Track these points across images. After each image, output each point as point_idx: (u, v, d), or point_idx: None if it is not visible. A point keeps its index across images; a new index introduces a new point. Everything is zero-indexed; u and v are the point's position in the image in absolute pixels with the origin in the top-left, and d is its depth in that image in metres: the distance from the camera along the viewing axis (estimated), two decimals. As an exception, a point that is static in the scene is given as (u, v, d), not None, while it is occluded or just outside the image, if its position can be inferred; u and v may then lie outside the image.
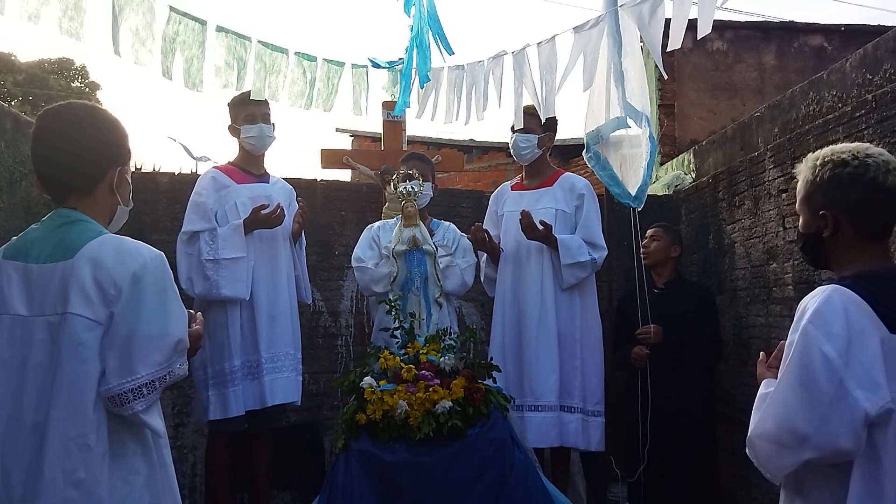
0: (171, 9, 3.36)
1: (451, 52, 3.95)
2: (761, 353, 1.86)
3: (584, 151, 3.92)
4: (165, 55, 3.34)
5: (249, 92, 3.60)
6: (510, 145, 3.77)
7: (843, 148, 1.69)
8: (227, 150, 3.69)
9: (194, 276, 3.30)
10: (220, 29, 3.57)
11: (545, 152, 3.79)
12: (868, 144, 1.71)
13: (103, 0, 3.09)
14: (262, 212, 3.32)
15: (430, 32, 3.89)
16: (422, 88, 4.05)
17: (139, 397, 1.64)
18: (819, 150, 1.73)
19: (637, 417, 3.71)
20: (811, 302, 1.59)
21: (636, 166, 3.73)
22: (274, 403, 3.36)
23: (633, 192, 3.70)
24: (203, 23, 3.48)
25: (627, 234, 3.91)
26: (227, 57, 3.59)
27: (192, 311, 1.93)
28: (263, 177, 3.60)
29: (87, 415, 1.62)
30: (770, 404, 1.61)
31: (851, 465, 1.52)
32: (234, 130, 3.56)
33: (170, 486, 1.79)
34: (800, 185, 1.74)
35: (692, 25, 2.71)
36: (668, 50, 2.89)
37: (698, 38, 2.76)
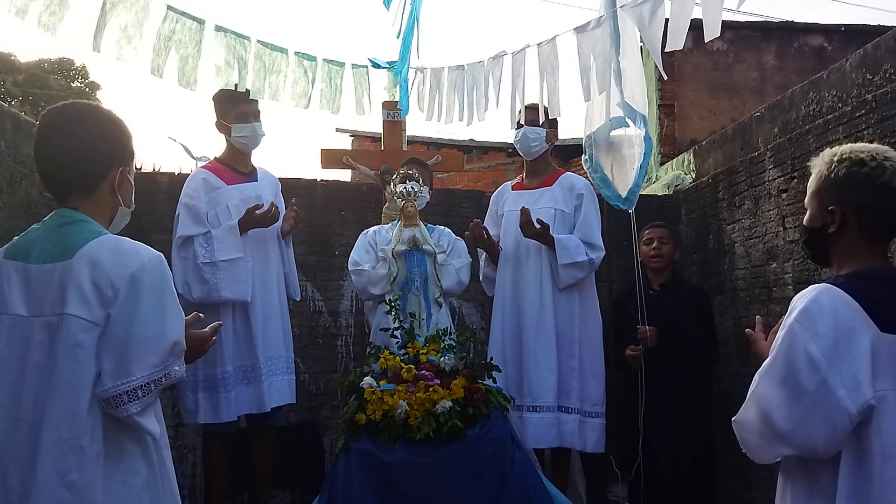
0: (169, 7, 3.35)
1: (403, 64, 4.02)
2: (748, 331, 1.89)
3: (583, 155, 3.92)
4: (158, 53, 3.33)
5: (237, 88, 3.56)
6: (516, 139, 3.75)
7: (863, 148, 1.69)
8: (222, 147, 3.70)
9: (191, 281, 3.26)
10: (218, 28, 3.57)
11: (549, 149, 3.79)
12: (887, 147, 1.72)
13: None
14: (257, 212, 3.31)
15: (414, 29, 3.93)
16: (396, 77, 4.08)
17: (134, 399, 1.63)
18: (837, 147, 1.73)
19: (633, 417, 3.71)
20: (800, 300, 1.61)
21: (628, 167, 3.73)
22: (272, 407, 3.35)
23: (623, 193, 3.69)
24: (201, 22, 3.48)
25: (627, 234, 3.91)
26: (227, 56, 3.58)
27: (200, 314, 1.92)
28: (252, 174, 3.57)
29: (82, 416, 1.61)
30: (752, 396, 1.64)
31: (839, 458, 1.54)
32: (222, 127, 3.50)
33: (170, 488, 1.79)
34: (812, 180, 1.74)
35: (698, 26, 2.70)
36: (667, 50, 2.88)
37: (705, 42, 2.75)
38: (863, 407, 1.50)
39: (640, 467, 3.66)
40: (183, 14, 3.40)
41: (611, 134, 3.85)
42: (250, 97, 3.55)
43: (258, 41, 3.73)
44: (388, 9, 3.99)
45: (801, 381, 1.53)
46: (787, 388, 1.55)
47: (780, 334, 1.61)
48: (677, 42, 2.79)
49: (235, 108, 3.49)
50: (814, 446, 1.54)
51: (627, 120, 3.65)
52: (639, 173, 3.64)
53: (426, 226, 3.59)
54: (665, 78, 5.84)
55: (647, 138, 3.58)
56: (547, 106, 3.57)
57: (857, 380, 1.51)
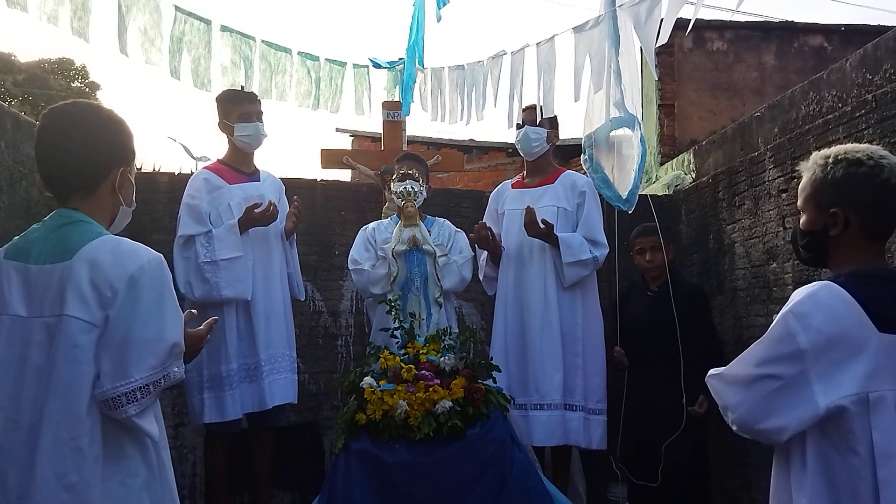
0: (177, 8, 3.36)
1: (421, 65, 4.00)
2: None
3: (582, 155, 3.92)
4: (173, 55, 3.35)
5: (241, 89, 3.57)
6: (517, 139, 3.74)
7: (857, 148, 1.69)
8: (223, 148, 3.71)
9: (193, 280, 3.27)
10: (224, 28, 3.58)
11: (550, 149, 3.79)
12: (879, 147, 1.73)
13: (109, 0, 3.10)
14: (256, 210, 3.31)
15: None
16: (412, 83, 4.09)
17: (133, 401, 1.63)
18: (828, 149, 1.74)
19: (633, 417, 3.72)
20: (799, 293, 1.62)
21: (628, 169, 3.73)
22: (273, 405, 3.36)
23: (623, 195, 3.68)
24: (207, 22, 3.49)
25: (627, 235, 3.90)
26: (233, 56, 3.60)
27: (193, 311, 1.92)
28: (254, 175, 3.58)
29: (81, 418, 1.61)
30: (736, 362, 1.69)
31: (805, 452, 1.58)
32: (225, 127, 3.50)
33: (169, 489, 1.79)
34: (805, 183, 1.74)
35: (698, 26, 2.72)
36: (655, 45, 2.89)
37: (689, 29, 2.78)
38: (833, 406, 1.52)
39: (639, 469, 3.66)
40: (190, 15, 3.41)
41: (611, 134, 3.84)
42: (258, 97, 3.55)
43: (262, 41, 3.74)
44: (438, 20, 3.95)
45: (781, 365, 1.57)
46: (764, 368, 1.59)
47: (775, 321, 1.62)
48: (663, 37, 2.81)
49: (239, 108, 3.49)
50: (762, 426, 1.59)
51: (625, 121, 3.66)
52: (637, 175, 3.64)
53: (427, 218, 3.60)
54: (656, 77, 5.86)
55: (642, 141, 3.59)
56: (543, 105, 3.57)
57: (837, 380, 1.52)
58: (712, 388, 1.74)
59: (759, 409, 1.60)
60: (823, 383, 1.52)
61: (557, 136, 3.80)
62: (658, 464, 3.65)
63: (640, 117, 3.58)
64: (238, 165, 3.53)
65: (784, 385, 1.56)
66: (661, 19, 2.92)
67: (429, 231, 3.49)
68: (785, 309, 1.61)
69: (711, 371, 1.75)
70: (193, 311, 1.93)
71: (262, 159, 3.70)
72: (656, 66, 6.37)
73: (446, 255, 3.47)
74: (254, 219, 3.32)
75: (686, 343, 3.70)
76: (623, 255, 4.12)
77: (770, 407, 1.57)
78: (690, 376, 3.71)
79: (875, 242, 1.69)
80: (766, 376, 1.58)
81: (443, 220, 3.65)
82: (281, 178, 3.76)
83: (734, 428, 1.67)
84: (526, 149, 3.73)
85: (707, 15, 2.76)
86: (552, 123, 3.70)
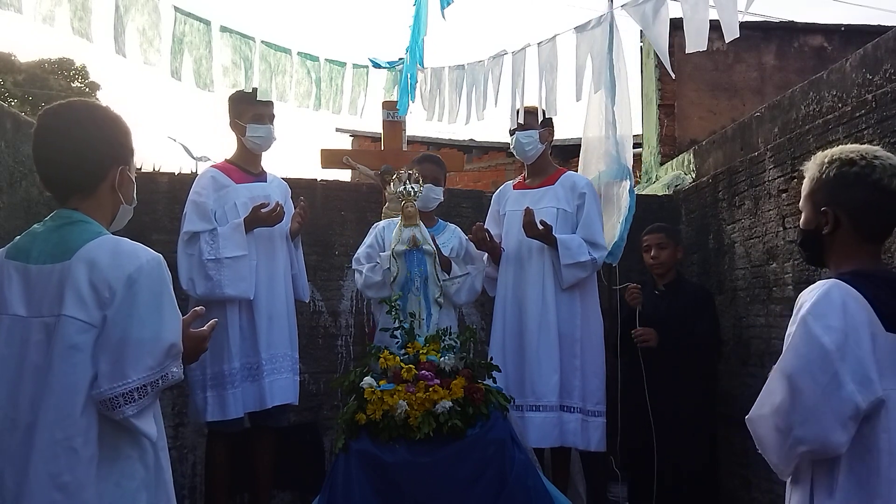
0: (176, 9, 3.36)
1: (421, 65, 3.99)
2: None
3: None
4: (175, 56, 3.35)
5: (255, 89, 3.58)
6: (512, 146, 3.77)
7: (853, 148, 1.70)
8: (227, 149, 3.74)
9: (196, 277, 3.27)
10: (223, 29, 3.57)
11: (547, 148, 3.79)
12: (878, 147, 1.73)
13: (108, 0, 3.09)
14: (262, 210, 3.32)
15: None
16: (412, 83, 4.07)
17: (130, 402, 1.62)
18: (828, 150, 1.75)
19: (634, 417, 3.70)
20: (810, 295, 1.61)
21: (614, 221, 3.73)
22: (273, 405, 3.36)
23: (608, 247, 3.68)
24: (207, 23, 3.48)
25: (627, 235, 3.90)
26: (233, 56, 3.59)
27: (198, 309, 1.90)
28: (261, 175, 3.59)
29: (75, 418, 1.61)
30: (765, 391, 1.64)
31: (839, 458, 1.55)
32: (237, 127, 3.51)
33: (166, 491, 1.78)
34: (805, 183, 1.76)
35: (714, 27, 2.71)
36: (689, 52, 2.88)
37: (726, 42, 2.76)
38: (873, 402, 1.51)
39: (645, 471, 3.65)
40: (189, 15, 3.41)
41: (602, 184, 3.84)
42: (258, 98, 3.56)
43: (262, 42, 3.73)
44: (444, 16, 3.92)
45: (813, 373, 1.54)
46: (799, 381, 1.55)
47: (792, 329, 1.61)
48: (700, 44, 2.78)
49: (253, 109, 3.51)
50: (825, 440, 1.53)
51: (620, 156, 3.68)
52: (623, 227, 3.65)
53: (438, 221, 3.60)
54: (673, 77, 5.85)
55: (631, 192, 3.61)
56: (545, 107, 3.57)
57: (867, 375, 1.51)
58: (760, 421, 1.64)
59: (817, 422, 1.52)
60: (855, 381, 1.51)
61: (552, 134, 3.79)
62: (661, 463, 3.65)
63: (630, 164, 3.59)
64: (246, 165, 3.54)
65: (824, 391, 1.51)
66: (679, 19, 2.90)
67: (438, 235, 3.48)
68: (802, 312, 1.59)
69: (749, 416, 1.68)
70: (198, 309, 1.91)
71: (263, 159, 3.68)
72: (656, 66, 6.38)
73: (468, 273, 3.47)
74: (260, 218, 3.33)
75: (690, 342, 3.71)
76: (626, 255, 4.12)
77: (823, 418, 1.51)
78: (688, 375, 3.71)
79: (870, 243, 1.69)
80: (808, 387, 1.53)
81: (454, 226, 3.65)
82: (276, 175, 3.76)
83: (803, 448, 1.55)
84: (521, 154, 3.74)
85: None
86: (543, 122, 3.70)
